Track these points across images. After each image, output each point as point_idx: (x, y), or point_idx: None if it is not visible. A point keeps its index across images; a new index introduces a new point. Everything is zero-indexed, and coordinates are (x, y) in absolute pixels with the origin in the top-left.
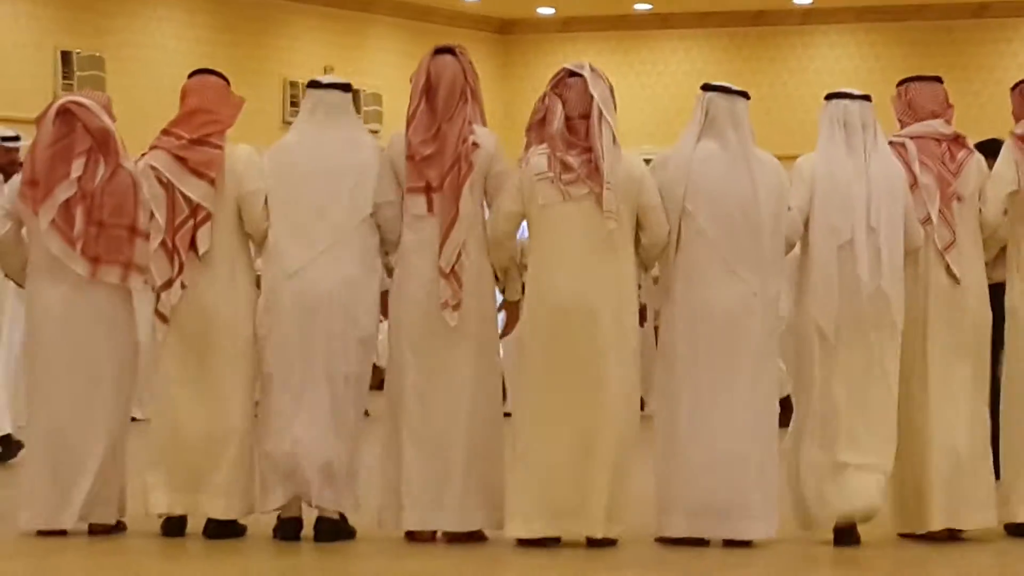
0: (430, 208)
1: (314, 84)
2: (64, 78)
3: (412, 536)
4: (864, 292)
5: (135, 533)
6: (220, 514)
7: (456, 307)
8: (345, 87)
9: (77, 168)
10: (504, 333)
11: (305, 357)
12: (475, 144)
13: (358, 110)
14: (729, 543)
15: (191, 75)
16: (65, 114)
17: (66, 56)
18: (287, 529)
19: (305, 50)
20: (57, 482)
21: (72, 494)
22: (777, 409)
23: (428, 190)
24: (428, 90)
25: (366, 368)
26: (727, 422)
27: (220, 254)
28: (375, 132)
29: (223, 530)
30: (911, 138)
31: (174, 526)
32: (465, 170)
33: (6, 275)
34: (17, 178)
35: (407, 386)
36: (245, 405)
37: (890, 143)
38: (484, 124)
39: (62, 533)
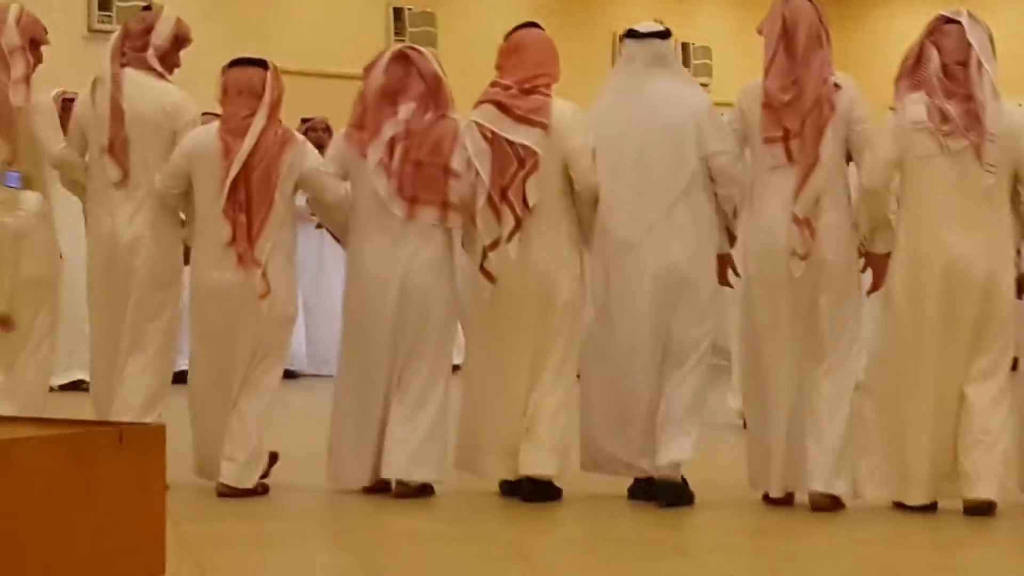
0: (789, 157)
1: (632, 34)
2: (396, 34)
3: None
4: None
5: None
6: (542, 471)
7: (804, 257)
8: (663, 35)
9: (406, 111)
10: (872, 288)
11: (639, 329)
12: (836, 86)
13: (687, 63)
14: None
15: (516, 29)
16: (401, 58)
17: (398, 12)
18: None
19: (634, 3)
20: (367, 437)
21: (412, 448)
22: None
23: (786, 138)
24: (784, 35)
25: (707, 334)
26: None
27: (546, 210)
28: (705, 86)
29: (544, 490)
30: None
31: (512, 490)
32: (827, 112)
33: (332, 232)
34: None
35: (760, 341)
36: (561, 368)
37: None
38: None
39: (384, 487)
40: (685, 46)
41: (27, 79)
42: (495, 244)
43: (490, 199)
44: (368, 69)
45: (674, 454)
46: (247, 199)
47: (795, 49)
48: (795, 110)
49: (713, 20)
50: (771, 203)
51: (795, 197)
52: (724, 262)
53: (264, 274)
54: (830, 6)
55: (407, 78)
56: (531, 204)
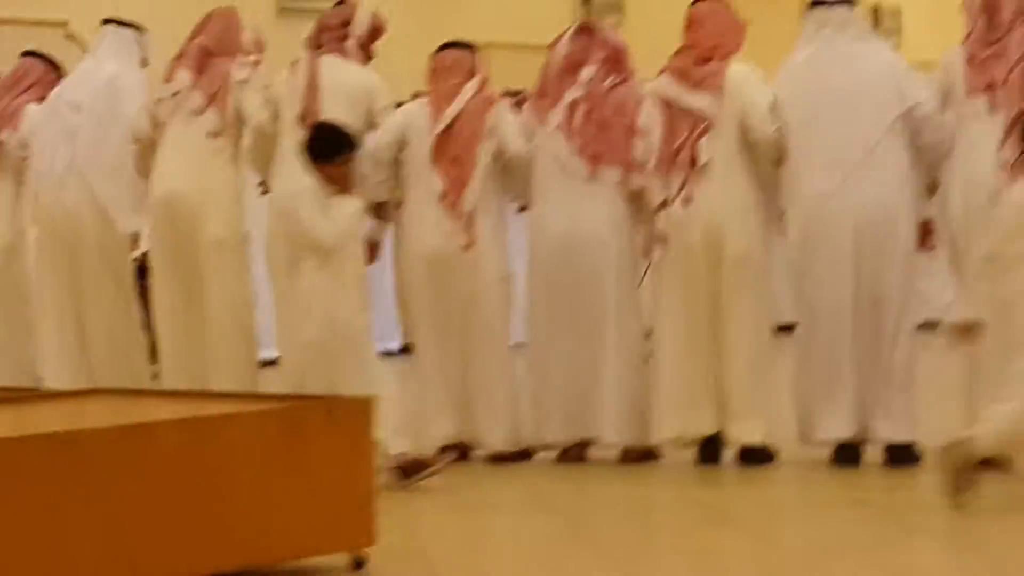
0: (993, 107)
1: (818, 2)
2: (583, 5)
3: None
4: None
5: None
6: (748, 438)
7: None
8: (849, 1)
9: (587, 74)
10: None
11: (839, 284)
12: None
13: (877, 25)
14: None
15: (694, 2)
16: (584, 30)
17: None
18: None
19: None
20: (572, 400)
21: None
22: None
23: (991, 88)
24: (986, 10)
25: (908, 289)
26: None
27: (717, 169)
28: (895, 48)
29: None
30: None
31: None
32: None
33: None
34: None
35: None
36: (754, 331)
37: None
38: None
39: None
40: (876, 8)
41: (257, 64)
42: (663, 205)
43: (661, 161)
44: (553, 45)
45: (896, 433)
46: (456, 154)
47: (998, 22)
48: (1000, 62)
49: None
50: (976, 158)
51: (1001, 144)
52: (926, 227)
53: (469, 226)
54: None
55: (590, 47)
56: (701, 163)
